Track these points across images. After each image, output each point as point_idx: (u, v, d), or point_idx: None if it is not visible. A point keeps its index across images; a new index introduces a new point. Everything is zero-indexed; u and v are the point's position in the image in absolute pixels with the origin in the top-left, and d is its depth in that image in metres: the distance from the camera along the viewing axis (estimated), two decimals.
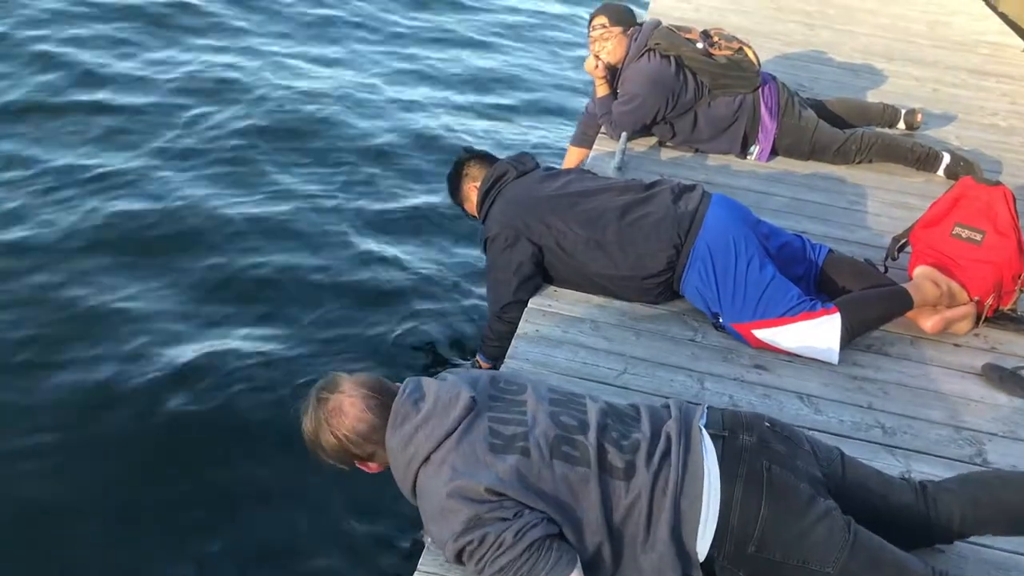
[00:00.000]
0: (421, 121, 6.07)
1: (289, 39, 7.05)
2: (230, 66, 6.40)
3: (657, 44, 4.09)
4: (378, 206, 5.07)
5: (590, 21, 4.26)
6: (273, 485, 3.23)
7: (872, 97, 5.11)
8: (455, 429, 2.01)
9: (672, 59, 4.09)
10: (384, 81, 6.63)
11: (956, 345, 3.16)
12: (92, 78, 5.92)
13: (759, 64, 4.22)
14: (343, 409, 2.10)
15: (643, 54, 4.11)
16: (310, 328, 4.04)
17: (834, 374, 2.94)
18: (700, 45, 4.11)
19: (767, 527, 1.95)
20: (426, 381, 2.17)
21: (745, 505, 1.97)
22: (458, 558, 1.97)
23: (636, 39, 4.14)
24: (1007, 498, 2.17)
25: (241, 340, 3.88)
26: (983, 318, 3.20)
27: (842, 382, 2.91)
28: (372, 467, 2.19)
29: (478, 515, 1.91)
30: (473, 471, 1.95)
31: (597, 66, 4.18)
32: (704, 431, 2.10)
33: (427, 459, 2.00)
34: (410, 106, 6.29)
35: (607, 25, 4.18)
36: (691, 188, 3.18)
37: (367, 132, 5.82)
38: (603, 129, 4.40)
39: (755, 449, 2.05)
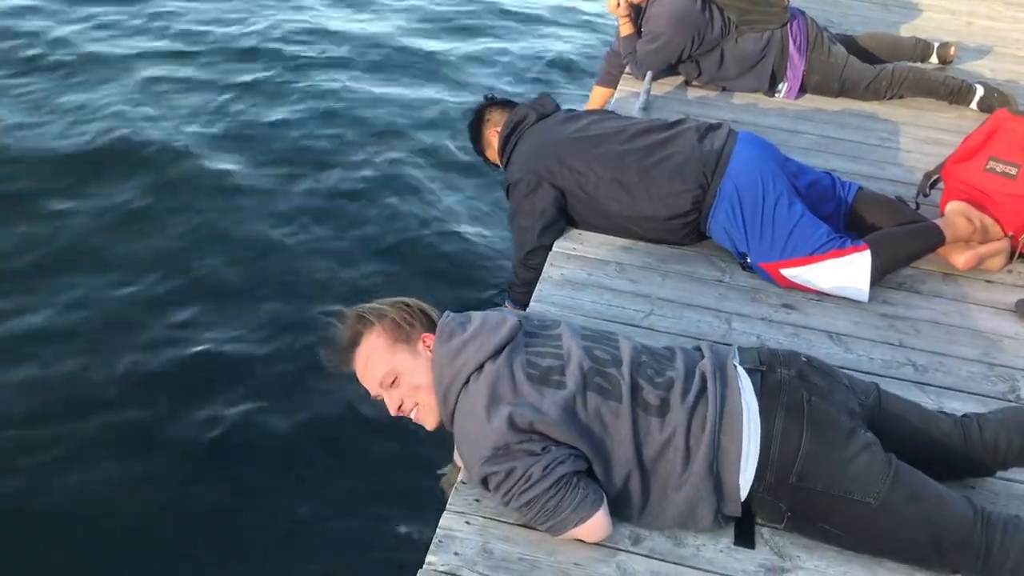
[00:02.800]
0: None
1: None
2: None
3: None
4: (396, 161, 5.05)
5: None
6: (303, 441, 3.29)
7: (904, 32, 4.98)
8: (504, 346, 2.04)
9: None
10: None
11: (989, 281, 3.11)
12: None
13: None
14: (381, 308, 2.18)
15: None
16: (333, 277, 4.05)
17: (864, 312, 2.89)
18: None
19: (808, 458, 1.94)
20: (469, 312, 2.22)
21: (786, 437, 1.96)
22: (483, 483, 1.98)
23: None
24: None
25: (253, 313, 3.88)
26: (1017, 254, 3.14)
27: (873, 320, 2.87)
28: (416, 349, 2.14)
29: (507, 444, 1.91)
30: (511, 399, 1.96)
31: (619, 4, 4.10)
32: (739, 367, 2.09)
33: (480, 368, 2.01)
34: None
35: None
36: (717, 126, 3.12)
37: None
38: (627, 69, 4.33)
39: (794, 382, 2.04)
